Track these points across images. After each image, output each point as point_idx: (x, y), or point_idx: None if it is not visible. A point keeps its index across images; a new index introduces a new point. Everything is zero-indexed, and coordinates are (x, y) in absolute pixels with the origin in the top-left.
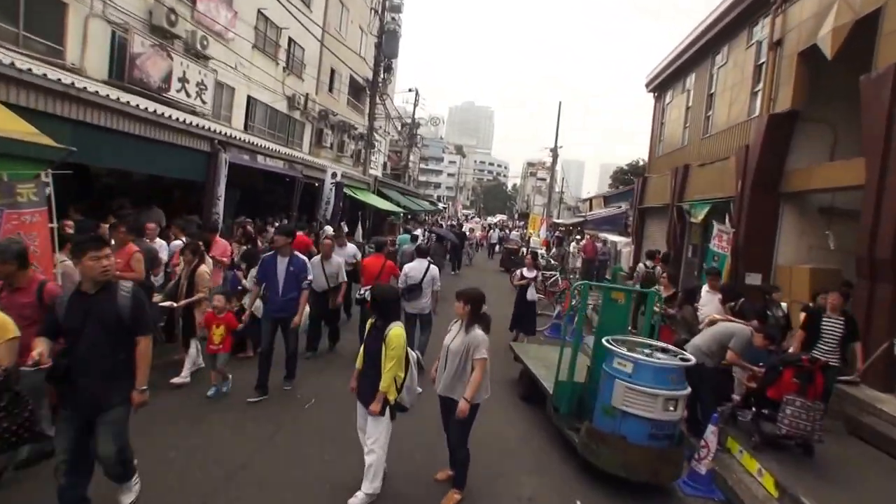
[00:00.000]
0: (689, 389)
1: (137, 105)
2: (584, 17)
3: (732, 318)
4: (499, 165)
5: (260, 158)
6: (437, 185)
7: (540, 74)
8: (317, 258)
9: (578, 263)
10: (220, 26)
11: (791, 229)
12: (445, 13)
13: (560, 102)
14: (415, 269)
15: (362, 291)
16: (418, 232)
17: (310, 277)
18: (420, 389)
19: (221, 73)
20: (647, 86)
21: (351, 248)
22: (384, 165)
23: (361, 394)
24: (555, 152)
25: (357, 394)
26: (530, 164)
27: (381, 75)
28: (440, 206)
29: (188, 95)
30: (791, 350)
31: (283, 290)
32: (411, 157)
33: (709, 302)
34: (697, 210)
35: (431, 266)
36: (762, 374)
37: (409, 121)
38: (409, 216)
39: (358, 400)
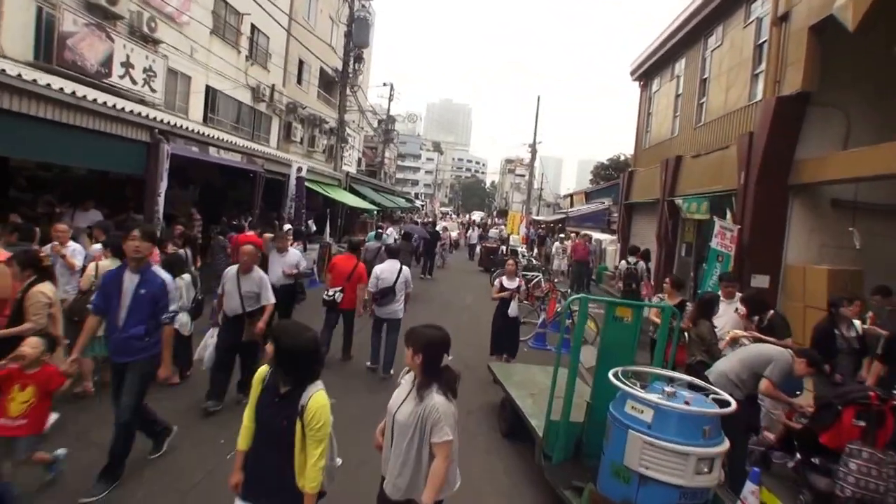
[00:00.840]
0: (727, 444)
1: (62, 89)
2: (565, 13)
3: (761, 337)
4: (477, 163)
5: (213, 151)
6: (415, 183)
7: (519, 71)
8: (231, 270)
9: (564, 265)
10: (171, 8)
11: (801, 225)
12: (423, 8)
13: (539, 97)
14: (387, 271)
15: (331, 293)
16: (391, 230)
17: (173, 307)
18: (340, 461)
19: (174, 60)
20: (632, 74)
21: (293, 254)
22: (359, 162)
23: (253, 494)
24: (534, 147)
25: (244, 493)
26: (508, 161)
27: (352, 66)
28: (417, 203)
29: (134, 82)
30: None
31: (126, 322)
32: (387, 154)
33: (724, 313)
34: (692, 205)
35: (404, 268)
36: (812, 413)
37: (383, 116)
38: (384, 214)
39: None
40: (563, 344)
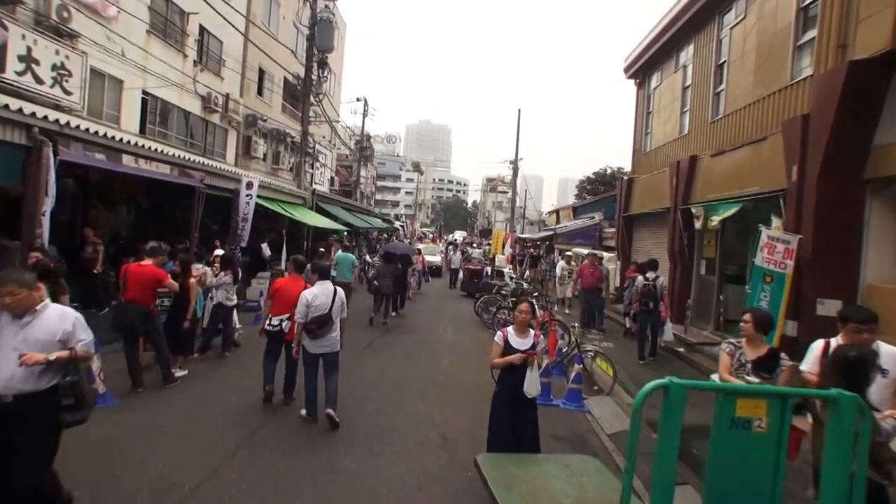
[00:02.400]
0: None
1: None
2: (542, 30)
3: None
4: (458, 182)
5: (128, 160)
6: (396, 204)
7: (496, 90)
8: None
9: (569, 292)
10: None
11: (883, 232)
12: (398, 28)
13: (519, 110)
14: (319, 295)
15: (276, 321)
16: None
17: (83, 338)
18: None
19: (100, 60)
20: (625, 71)
21: (50, 318)
22: (331, 181)
23: None
24: (515, 162)
25: None
26: (490, 180)
27: (316, 72)
28: (396, 224)
29: (39, 81)
30: None
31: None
32: (363, 173)
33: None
34: (715, 212)
35: (339, 290)
36: None
37: (358, 134)
38: (358, 235)
39: None
40: (571, 397)
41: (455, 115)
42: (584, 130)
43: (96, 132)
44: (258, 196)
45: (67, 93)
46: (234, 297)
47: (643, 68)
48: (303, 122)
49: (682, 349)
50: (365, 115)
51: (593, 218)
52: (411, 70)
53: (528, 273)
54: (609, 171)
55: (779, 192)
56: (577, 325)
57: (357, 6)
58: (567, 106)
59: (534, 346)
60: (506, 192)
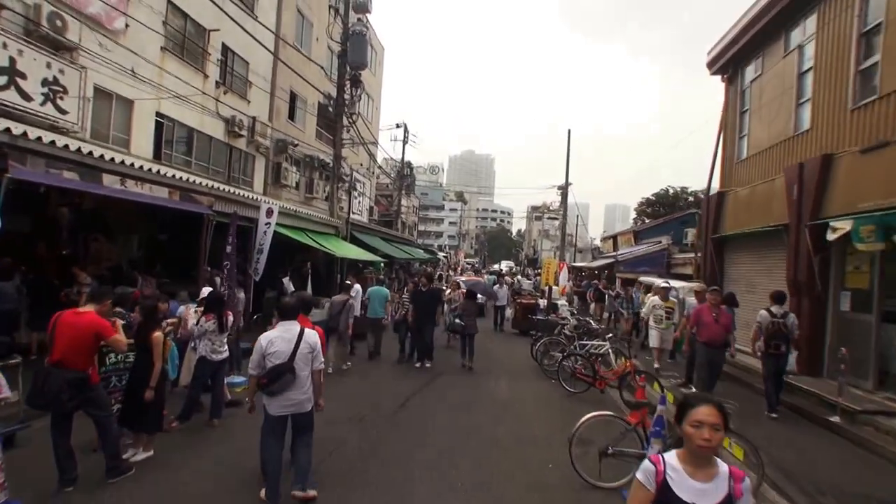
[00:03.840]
0: None
1: None
2: (577, 60)
3: None
4: (502, 212)
5: (109, 181)
6: (439, 235)
7: (539, 119)
8: None
9: (669, 340)
10: (95, 7)
11: None
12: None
13: (569, 130)
14: (278, 340)
15: None
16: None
17: None
18: None
19: (105, 78)
20: (710, 66)
21: None
22: (370, 210)
23: None
24: (565, 186)
25: None
26: (535, 209)
27: (349, 91)
28: (440, 255)
29: (25, 97)
30: None
31: None
32: (404, 202)
33: None
34: (868, 229)
35: (307, 331)
36: None
37: (398, 162)
38: (399, 268)
39: None
40: None
41: (498, 145)
42: (631, 156)
43: (65, 146)
44: (281, 225)
45: (62, 111)
46: (224, 348)
47: (735, 59)
48: (335, 143)
49: (835, 418)
50: (405, 141)
51: (660, 242)
52: (454, 101)
53: (592, 307)
54: (671, 191)
55: None
56: (690, 386)
57: (398, 41)
58: (611, 132)
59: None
60: (555, 219)
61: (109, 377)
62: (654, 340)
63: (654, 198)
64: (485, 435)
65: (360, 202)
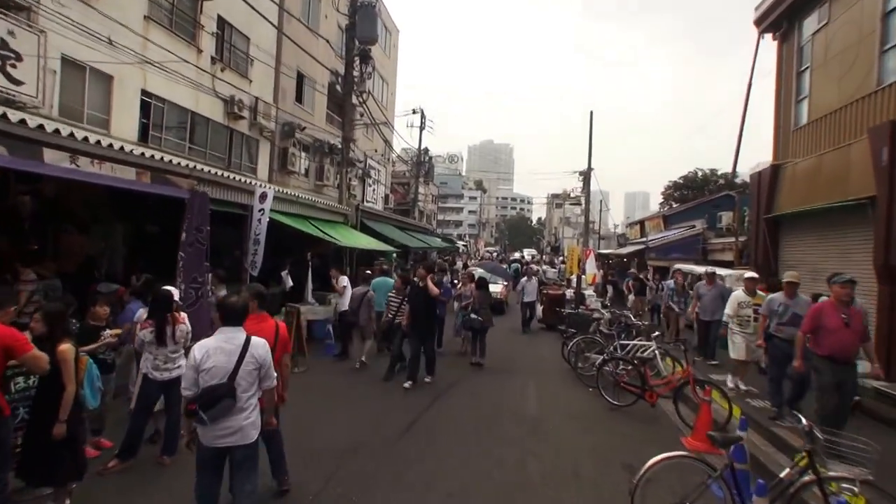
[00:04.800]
0: None
1: None
2: (595, 47)
3: None
4: (522, 200)
5: (53, 157)
6: (459, 224)
7: (558, 108)
8: None
9: (757, 350)
10: None
11: None
12: (460, 54)
13: (591, 112)
14: (215, 352)
15: None
16: (345, 283)
17: None
18: None
19: (75, 47)
20: (758, 23)
21: None
22: (385, 199)
23: None
24: (588, 170)
25: None
26: (555, 196)
27: (359, 67)
28: (459, 244)
29: None
30: None
31: None
32: (422, 190)
33: None
34: None
35: (254, 339)
36: None
37: (413, 148)
38: (417, 258)
39: None
40: None
41: (517, 135)
42: (650, 143)
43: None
44: (279, 212)
45: (15, 82)
46: (178, 364)
47: (790, 11)
48: (343, 125)
49: None
50: (422, 127)
51: (693, 227)
52: (473, 91)
53: (630, 300)
54: (700, 173)
55: None
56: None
57: (417, 30)
58: (629, 119)
59: None
60: (577, 204)
61: (16, 408)
62: (738, 350)
63: (681, 181)
64: (509, 470)
65: (374, 190)
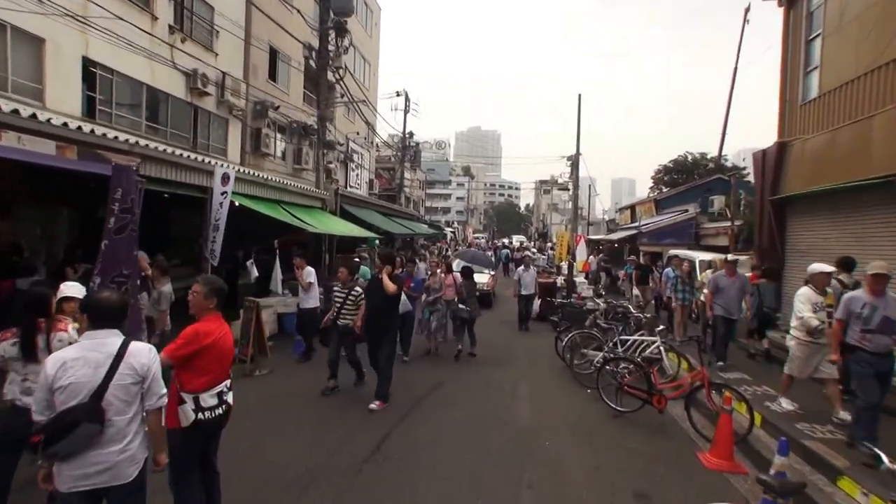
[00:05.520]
0: None
1: None
2: (587, 30)
3: None
4: (510, 186)
5: None
6: (447, 210)
7: (543, 99)
8: None
9: (800, 366)
10: None
11: None
12: (447, 40)
13: (580, 95)
14: (76, 363)
15: (211, 399)
16: (310, 274)
17: None
18: None
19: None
20: None
21: None
22: (370, 184)
23: None
24: (577, 154)
25: None
26: (543, 182)
27: (334, 41)
28: (447, 230)
29: None
30: None
31: None
32: (408, 175)
33: None
34: None
35: (133, 347)
36: None
37: (398, 133)
38: (399, 245)
39: None
40: None
41: (504, 122)
42: (635, 130)
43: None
44: (246, 196)
45: None
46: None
47: None
48: (319, 103)
49: None
50: (406, 110)
51: (686, 211)
52: (460, 78)
53: (633, 294)
54: (689, 157)
55: None
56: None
57: (403, 13)
58: (613, 107)
59: None
60: (566, 189)
61: None
62: (797, 365)
63: (671, 165)
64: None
65: (358, 175)
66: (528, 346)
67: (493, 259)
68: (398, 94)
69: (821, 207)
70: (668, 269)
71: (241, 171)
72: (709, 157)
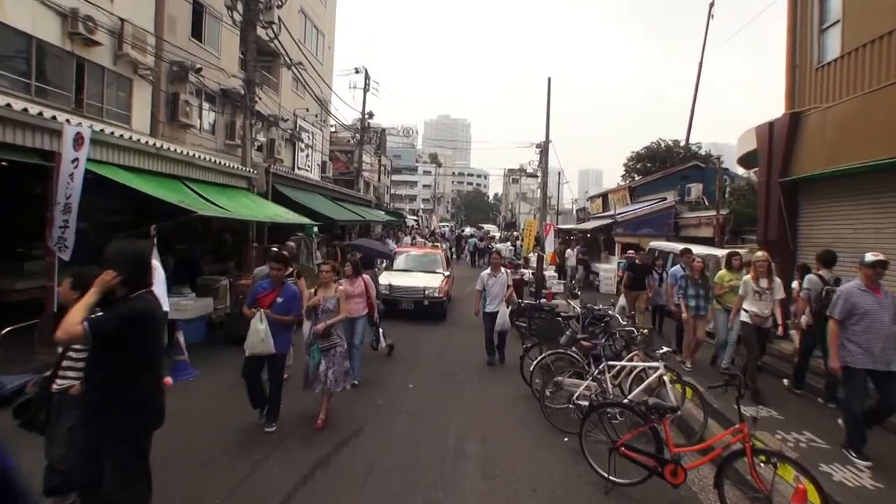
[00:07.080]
0: None
1: None
2: (557, 16)
3: None
4: (478, 175)
5: None
6: (413, 199)
7: (514, 83)
8: None
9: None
10: None
11: None
12: (417, 25)
13: (549, 79)
14: None
15: None
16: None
17: None
18: None
19: None
20: None
21: None
22: (323, 167)
23: None
24: (546, 141)
25: None
26: (511, 171)
27: None
28: (410, 219)
29: None
30: None
31: None
32: (367, 159)
33: None
34: None
35: None
36: None
37: (358, 114)
38: (336, 236)
39: None
40: None
41: (473, 111)
42: (599, 121)
43: None
44: (118, 166)
45: None
46: None
47: None
48: (245, 63)
49: None
50: (366, 89)
51: (665, 199)
52: (429, 64)
53: (621, 301)
54: (663, 144)
55: None
56: None
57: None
58: (579, 98)
59: None
60: (535, 176)
61: None
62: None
63: (644, 152)
64: None
65: (308, 156)
66: (479, 360)
67: (451, 250)
68: (357, 72)
69: (843, 191)
70: (676, 268)
71: (110, 133)
72: (682, 144)
